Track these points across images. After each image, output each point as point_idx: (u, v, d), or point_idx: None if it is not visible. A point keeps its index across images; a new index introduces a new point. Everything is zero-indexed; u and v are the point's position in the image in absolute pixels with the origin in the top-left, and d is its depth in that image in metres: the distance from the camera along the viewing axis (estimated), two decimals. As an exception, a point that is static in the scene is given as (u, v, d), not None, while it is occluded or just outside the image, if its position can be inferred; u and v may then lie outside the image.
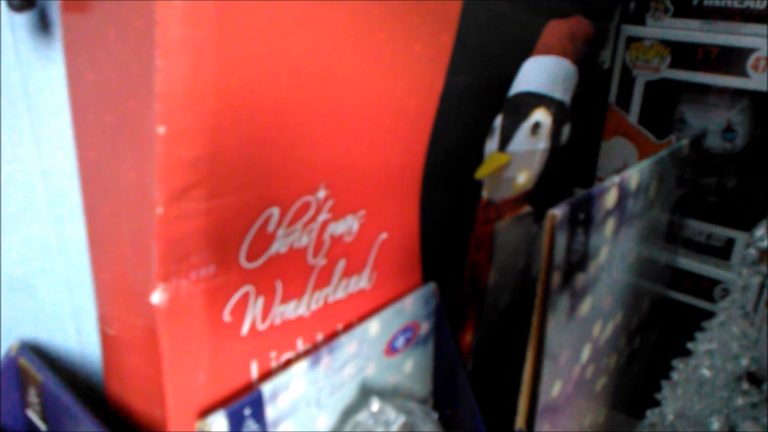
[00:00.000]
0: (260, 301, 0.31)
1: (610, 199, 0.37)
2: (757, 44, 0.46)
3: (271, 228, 0.30)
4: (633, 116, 0.53)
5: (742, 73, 0.47)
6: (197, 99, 0.24)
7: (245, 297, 0.30)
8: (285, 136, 0.28)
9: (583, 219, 0.34)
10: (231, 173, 0.27)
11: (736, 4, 0.47)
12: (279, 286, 0.32)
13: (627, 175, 0.38)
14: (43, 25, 0.31)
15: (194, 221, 0.26)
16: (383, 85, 0.32)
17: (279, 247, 0.31)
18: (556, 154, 0.48)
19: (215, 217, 0.27)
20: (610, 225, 0.38)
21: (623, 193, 0.38)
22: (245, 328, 0.30)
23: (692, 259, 0.54)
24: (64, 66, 0.28)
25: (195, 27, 0.23)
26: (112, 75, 0.26)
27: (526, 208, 0.49)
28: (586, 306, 0.38)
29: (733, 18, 0.48)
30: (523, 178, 0.47)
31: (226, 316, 0.29)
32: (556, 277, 0.33)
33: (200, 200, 0.26)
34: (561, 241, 0.33)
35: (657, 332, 0.56)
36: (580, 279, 0.36)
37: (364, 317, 0.37)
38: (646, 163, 0.40)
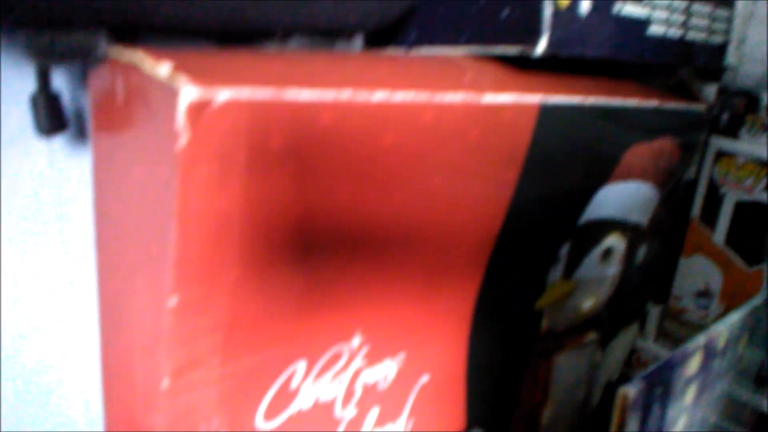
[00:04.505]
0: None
1: (694, 364, 0.31)
2: None
3: (294, 384, 0.27)
4: (719, 236, 0.47)
5: None
6: (218, 268, 0.21)
7: (259, 461, 0.26)
8: (317, 290, 0.25)
9: (660, 394, 0.29)
10: (251, 335, 0.24)
11: None
12: (299, 446, 0.28)
13: (714, 334, 0.33)
14: (80, 132, 0.30)
15: (205, 390, 0.23)
16: (434, 226, 0.28)
17: (302, 403, 0.27)
18: (628, 277, 0.43)
19: (230, 383, 0.24)
20: (691, 392, 0.32)
21: (709, 355, 0.32)
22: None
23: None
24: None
25: (220, 195, 0.20)
26: (137, 213, 0.24)
27: (591, 335, 0.44)
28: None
29: None
30: (589, 304, 0.42)
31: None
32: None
33: (213, 368, 0.23)
34: (633, 425, 0.28)
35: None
36: (651, 457, 0.31)
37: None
38: (736, 317, 0.35)
